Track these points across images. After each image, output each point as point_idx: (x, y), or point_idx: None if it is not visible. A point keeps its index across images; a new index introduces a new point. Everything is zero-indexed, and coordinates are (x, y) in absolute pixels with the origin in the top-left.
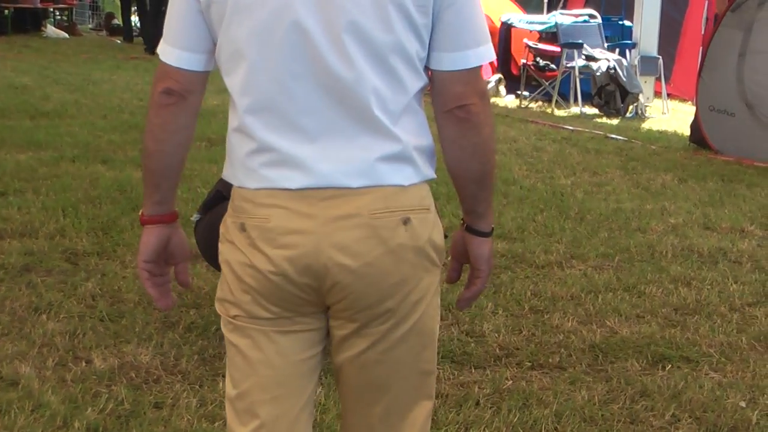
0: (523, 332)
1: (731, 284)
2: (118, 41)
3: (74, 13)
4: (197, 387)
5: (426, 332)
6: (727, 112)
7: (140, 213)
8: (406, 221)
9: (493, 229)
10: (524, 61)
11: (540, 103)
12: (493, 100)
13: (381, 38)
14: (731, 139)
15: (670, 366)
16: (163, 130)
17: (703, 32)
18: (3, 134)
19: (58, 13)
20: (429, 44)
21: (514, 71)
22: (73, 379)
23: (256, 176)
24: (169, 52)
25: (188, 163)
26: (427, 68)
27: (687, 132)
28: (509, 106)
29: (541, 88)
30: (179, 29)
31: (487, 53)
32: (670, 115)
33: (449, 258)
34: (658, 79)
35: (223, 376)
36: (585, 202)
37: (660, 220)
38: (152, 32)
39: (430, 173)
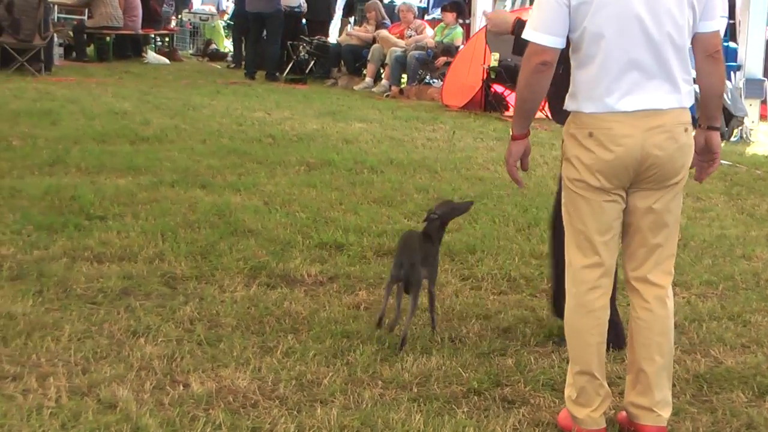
0: (626, 361)
1: None
2: (218, 66)
3: (175, 39)
4: (295, 413)
5: (681, 197)
6: None
7: (512, 134)
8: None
9: (720, 126)
10: None
11: None
12: None
13: (680, 19)
14: None
15: None
16: (537, 86)
17: None
18: (103, 159)
19: (158, 39)
20: (697, 17)
21: None
22: (171, 402)
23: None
24: (543, 37)
25: (287, 188)
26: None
27: None
28: None
29: None
30: (552, 20)
31: (725, 20)
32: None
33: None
34: (764, 102)
35: (321, 402)
36: (688, 228)
37: (766, 247)
38: (253, 58)
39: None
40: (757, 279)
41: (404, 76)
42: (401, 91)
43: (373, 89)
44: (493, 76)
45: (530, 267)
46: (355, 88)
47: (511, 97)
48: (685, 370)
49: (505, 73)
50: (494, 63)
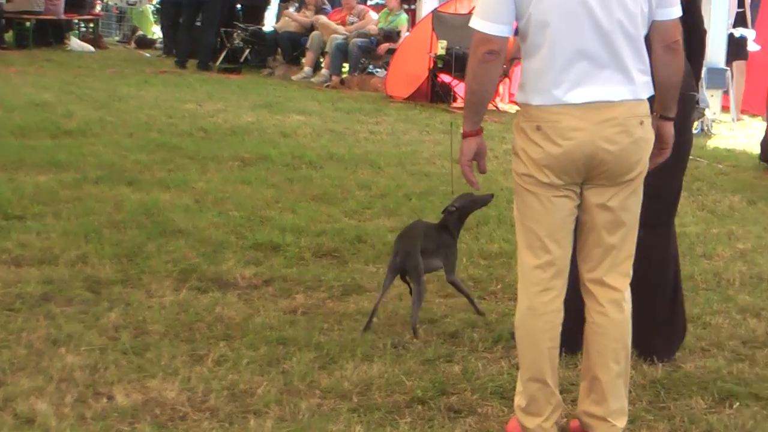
0: (579, 367)
1: None
2: (147, 54)
3: (100, 25)
4: (227, 425)
5: (640, 194)
6: None
7: (462, 131)
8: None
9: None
10: None
11: None
12: None
13: (633, 7)
14: None
15: (738, 404)
16: (485, 77)
17: None
18: (22, 154)
19: (82, 25)
20: (653, 5)
21: None
22: (94, 416)
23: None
24: (489, 25)
25: (220, 185)
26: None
27: (757, 150)
28: None
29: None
30: (497, 8)
31: (680, 8)
32: (738, 132)
33: None
34: (726, 92)
35: (255, 413)
36: None
37: (727, 245)
38: (185, 46)
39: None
40: (718, 279)
41: (345, 65)
42: (342, 82)
43: (313, 79)
44: (440, 65)
45: (479, 268)
46: (293, 78)
47: (459, 87)
48: (641, 375)
49: (453, 62)
50: (441, 51)
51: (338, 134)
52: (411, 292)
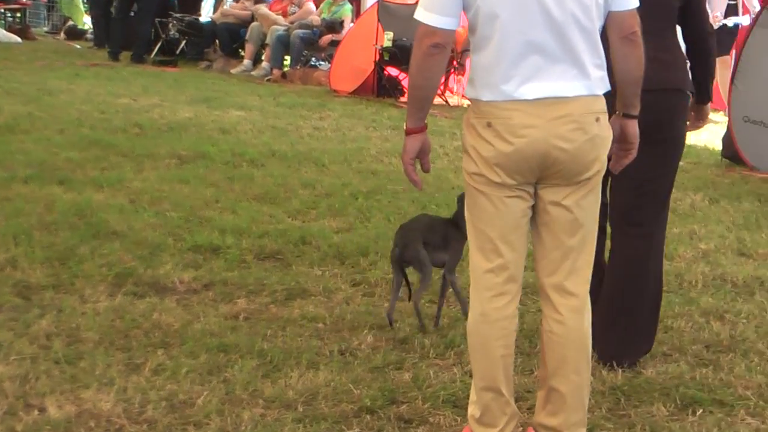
0: (535, 373)
1: None
2: (78, 46)
3: (28, 14)
4: None
5: (598, 195)
6: (764, 124)
7: (405, 128)
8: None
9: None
10: None
11: None
12: None
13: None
14: None
15: (701, 411)
16: (429, 71)
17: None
18: None
19: (8, 14)
20: None
21: None
22: (24, 429)
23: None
24: (434, 17)
25: (156, 184)
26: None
27: (719, 146)
28: None
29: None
30: (444, 0)
31: None
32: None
33: None
34: None
35: (195, 425)
36: None
37: (689, 245)
38: (119, 37)
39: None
40: (680, 281)
41: (287, 57)
42: (284, 75)
43: (253, 73)
44: (386, 58)
45: None
46: (232, 71)
47: (406, 81)
48: (600, 381)
49: (400, 55)
50: (387, 43)
51: (280, 130)
52: (408, 286)
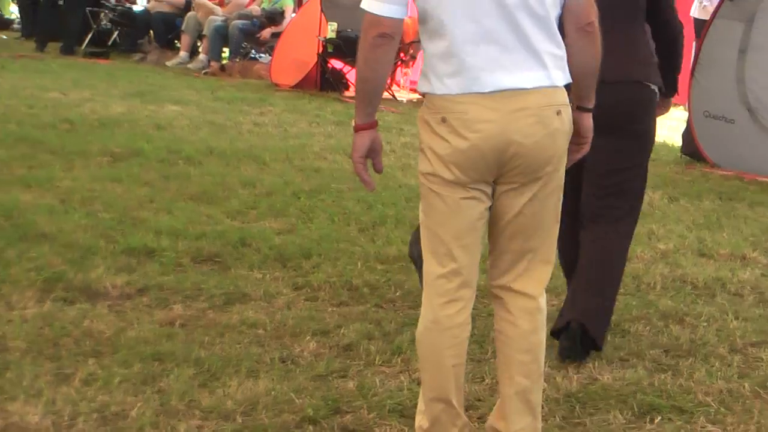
0: (486, 380)
1: (731, 321)
2: (3, 36)
3: None
4: None
5: (560, 192)
6: (726, 119)
7: (354, 123)
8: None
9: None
10: None
11: None
12: None
13: None
14: (730, 149)
15: (660, 418)
16: (377, 63)
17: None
18: None
19: None
20: None
21: None
22: None
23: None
24: (380, 6)
25: (87, 183)
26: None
27: (678, 142)
28: None
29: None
30: None
31: None
32: (657, 122)
33: None
34: None
35: None
36: None
37: (647, 246)
38: (47, 27)
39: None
40: (638, 283)
41: (225, 49)
42: (222, 68)
43: (189, 65)
44: (330, 50)
45: (375, 273)
46: (167, 63)
47: (352, 75)
48: (554, 388)
49: (345, 46)
50: (331, 34)
51: (219, 126)
52: None
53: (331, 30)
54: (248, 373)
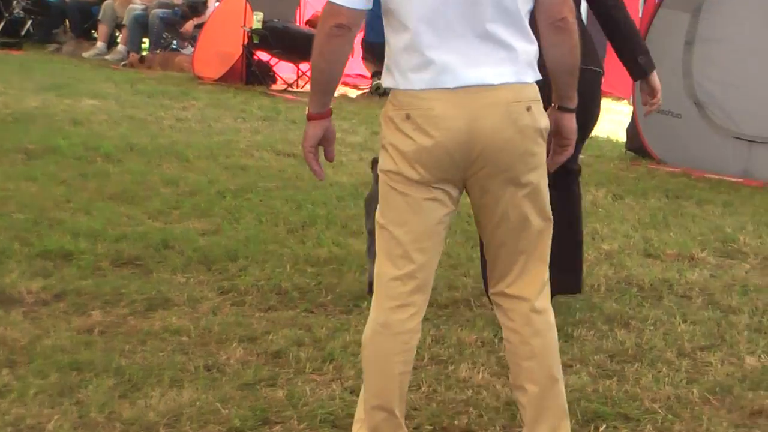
0: (422, 388)
1: (679, 324)
2: None
3: None
4: None
5: (543, 191)
6: (672, 113)
7: (307, 112)
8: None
9: (576, 107)
10: None
11: None
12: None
13: None
14: (677, 145)
15: (605, 426)
16: (333, 54)
17: (640, 14)
18: None
19: None
20: None
21: None
22: None
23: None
24: None
25: (0, 182)
26: None
27: (623, 138)
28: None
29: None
30: None
31: None
32: (601, 117)
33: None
34: None
35: None
36: None
37: (591, 246)
38: None
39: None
40: (582, 284)
41: (146, 40)
42: (142, 60)
43: (107, 57)
44: (255, 41)
45: (305, 276)
46: (84, 55)
47: (279, 67)
48: (494, 396)
49: (271, 37)
50: (257, 24)
51: (139, 122)
52: None
53: (256, 20)
54: (171, 383)
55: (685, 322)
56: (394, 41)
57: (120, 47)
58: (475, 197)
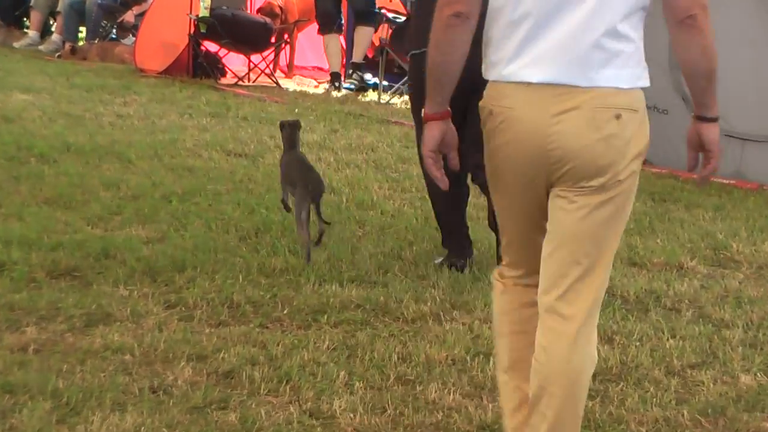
0: (388, 411)
1: (667, 339)
2: None
3: None
4: None
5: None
6: (658, 109)
7: (423, 113)
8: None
9: (718, 116)
10: (383, 38)
11: (406, 97)
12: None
13: None
14: (664, 144)
15: None
16: (450, 45)
17: None
18: None
19: None
20: None
21: (369, 53)
22: None
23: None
24: None
25: None
26: None
27: None
28: (364, 100)
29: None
30: None
31: None
32: None
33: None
34: None
35: None
36: (470, 233)
37: None
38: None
39: None
40: None
41: (82, 29)
42: (73, 50)
43: (41, 47)
44: (203, 30)
45: (259, 288)
46: (14, 45)
47: (228, 59)
48: (466, 419)
49: (220, 26)
50: (204, 12)
51: (76, 118)
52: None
53: (203, 7)
54: (114, 406)
55: (673, 337)
56: (490, 31)
57: (54, 36)
58: (551, 200)
